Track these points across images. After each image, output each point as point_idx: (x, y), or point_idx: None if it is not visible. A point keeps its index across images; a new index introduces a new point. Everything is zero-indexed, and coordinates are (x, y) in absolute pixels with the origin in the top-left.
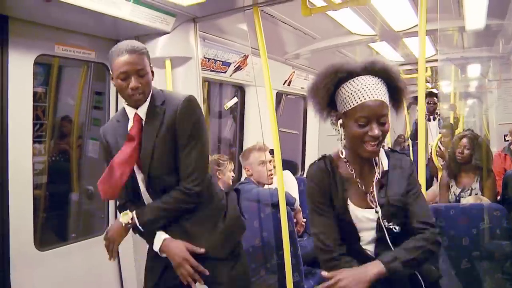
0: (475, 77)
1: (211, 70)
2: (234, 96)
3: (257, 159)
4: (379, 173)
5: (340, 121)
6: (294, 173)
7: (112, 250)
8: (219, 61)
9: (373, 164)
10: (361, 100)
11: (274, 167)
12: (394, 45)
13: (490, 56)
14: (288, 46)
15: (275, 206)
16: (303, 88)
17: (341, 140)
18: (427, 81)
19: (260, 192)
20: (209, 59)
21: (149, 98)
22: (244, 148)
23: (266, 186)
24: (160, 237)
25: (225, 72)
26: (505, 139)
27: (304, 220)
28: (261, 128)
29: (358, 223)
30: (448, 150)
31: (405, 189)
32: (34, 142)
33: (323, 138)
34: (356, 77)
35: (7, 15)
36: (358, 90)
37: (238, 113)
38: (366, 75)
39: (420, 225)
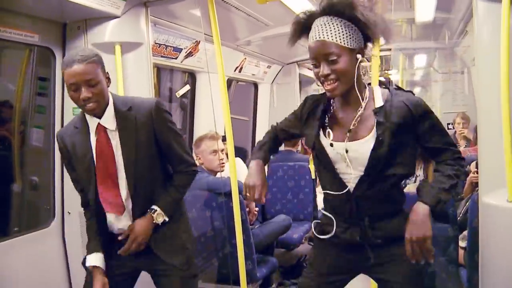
0: (421, 67)
1: (161, 56)
2: (186, 83)
3: (209, 147)
4: (361, 109)
5: None
6: (244, 159)
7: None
8: (170, 46)
9: (355, 101)
10: (308, 43)
11: (227, 154)
12: None
13: (436, 48)
14: (240, 32)
15: (227, 195)
16: (254, 74)
17: None
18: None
19: (211, 181)
20: (160, 44)
21: (110, 105)
22: (195, 135)
23: (218, 174)
24: None
25: (176, 58)
26: (448, 127)
27: (257, 209)
28: (214, 115)
29: (333, 156)
30: None
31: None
32: None
33: None
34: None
35: None
36: (310, 33)
37: (189, 100)
38: (325, 15)
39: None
